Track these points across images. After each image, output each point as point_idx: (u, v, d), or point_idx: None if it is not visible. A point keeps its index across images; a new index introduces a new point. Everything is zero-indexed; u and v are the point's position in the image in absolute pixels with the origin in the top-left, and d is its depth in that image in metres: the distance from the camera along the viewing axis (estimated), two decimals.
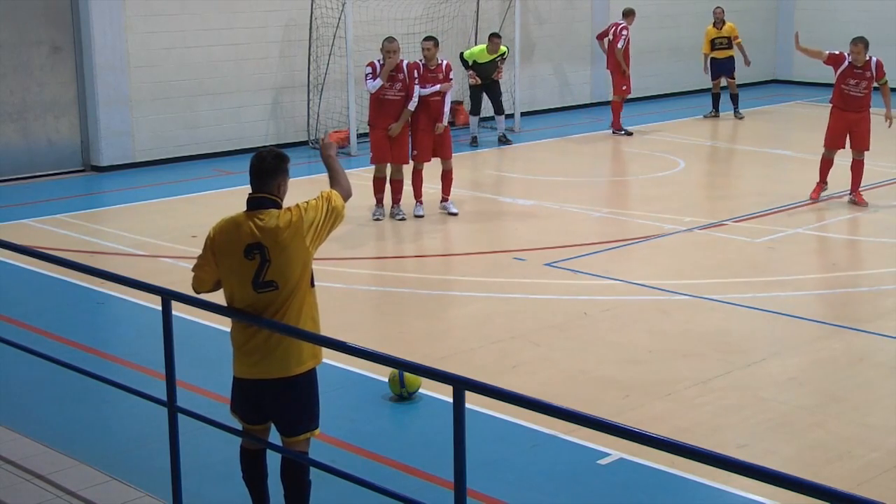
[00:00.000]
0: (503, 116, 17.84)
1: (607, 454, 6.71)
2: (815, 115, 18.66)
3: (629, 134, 18.22)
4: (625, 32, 18.17)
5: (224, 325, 6.08)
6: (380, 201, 12.84)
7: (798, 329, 9.20)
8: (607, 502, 6.30)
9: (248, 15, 16.60)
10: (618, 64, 18.17)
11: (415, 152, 12.76)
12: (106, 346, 8.85)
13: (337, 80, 17.28)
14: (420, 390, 7.57)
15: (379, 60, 12.45)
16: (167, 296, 5.64)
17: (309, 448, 5.52)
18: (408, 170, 12.81)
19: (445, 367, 5.13)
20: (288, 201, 5.43)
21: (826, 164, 13.43)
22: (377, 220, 12.69)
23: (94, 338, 9.07)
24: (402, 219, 12.70)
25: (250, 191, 5.40)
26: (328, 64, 17.19)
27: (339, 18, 16.95)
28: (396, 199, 12.81)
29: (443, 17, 18.65)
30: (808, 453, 6.89)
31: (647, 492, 6.39)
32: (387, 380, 7.63)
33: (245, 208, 5.37)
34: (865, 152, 13.28)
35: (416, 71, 12.46)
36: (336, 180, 5.67)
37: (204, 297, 5.56)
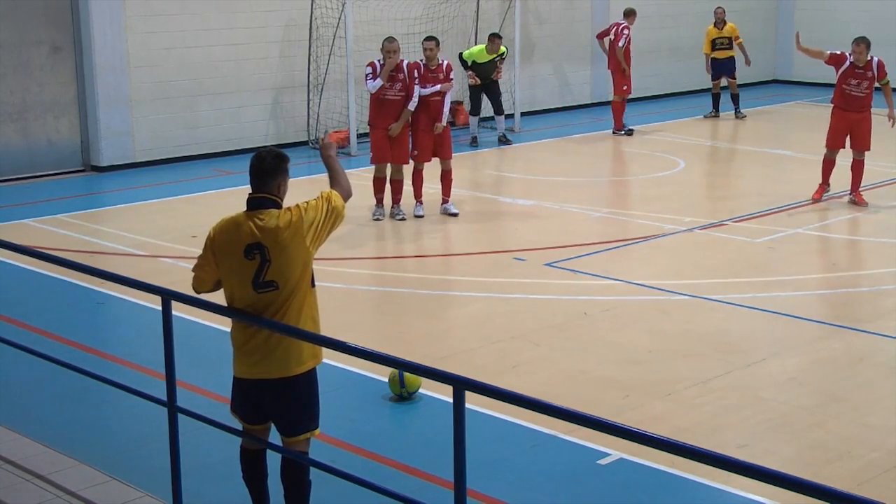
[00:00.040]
0: (503, 116, 17.84)
1: (607, 454, 6.71)
2: (816, 115, 18.68)
3: (629, 134, 18.22)
4: (626, 32, 18.17)
5: (224, 325, 6.08)
6: (380, 201, 12.84)
7: (798, 329, 9.19)
8: (607, 502, 6.30)
9: (248, 15, 16.60)
10: (619, 63, 18.17)
11: (415, 152, 12.76)
12: (106, 346, 8.85)
13: (337, 80, 17.28)
14: (420, 390, 7.57)
15: (379, 60, 12.45)
16: (167, 296, 5.64)
17: (309, 448, 5.52)
18: (408, 170, 12.81)
19: (445, 367, 5.13)
20: (288, 201, 5.43)
21: (828, 165, 13.43)
22: (377, 220, 12.69)
23: (94, 338, 9.07)
24: (402, 219, 12.70)
25: (250, 191, 5.40)
26: (328, 64, 17.19)
27: (339, 18, 16.95)
28: (396, 199, 12.81)
29: (443, 17, 18.65)
30: (808, 453, 6.89)
31: (647, 492, 6.39)
32: (387, 380, 7.63)
33: (245, 208, 5.37)
34: (866, 152, 13.28)
35: (416, 71, 12.46)
36: (336, 180, 5.67)
37: (204, 297, 5.56)
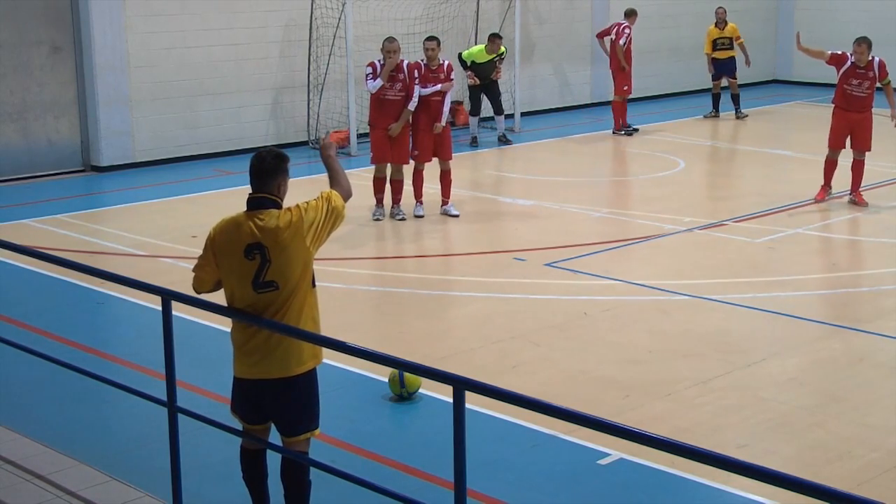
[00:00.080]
0: (503, 116, 17.84)
1: (607, 454, 6.71)
2: (816, 116, 18.68)
3: (630, 133, 18.22)
4: (627, 31, 18.18)
5: (224, 325, 6.08)
6: (380, 201, 12.84)
7: (798, 329, 9.19)
8: (607, 502, 6.30)
9: (248, 15, 16.60)
10: (619, 63, 18.16)
11: (415, 152, 12.76)
12: (106, 346, 8.85)
13: (337, 80, 17.28)
14: (420, 390, 7.57)
15: (379, 60, 12.45)
16: (167, 296, 5.64)
17: (309, 448, 5.52)
18: (408, 170, 12.81)
19: (445, 367, 5.13)
20: (288, 201, 5.43)
21: (830, 166, 13.42)
22: (377, 220, 12.69)
23: (94, 338, 9.07)
24: (403, 219, 12.70)
25: (250, 191, 5.41)
26: (328, 64, 17.19)
27: (339, 18, 16.95)
28: (396, 200, 12.81)
29: (443, 17, 18.65)
30: (808, 453, 6.89)
31: (647, 492, 6.39)
32: (387, 380, 7.63)
33: (245, 208, 5.37)
34: (866, 153, 13.28)
35: (416, 71, 12.46)
36: (336, 180, 5.67)
37: (204, 297, 5.56)
